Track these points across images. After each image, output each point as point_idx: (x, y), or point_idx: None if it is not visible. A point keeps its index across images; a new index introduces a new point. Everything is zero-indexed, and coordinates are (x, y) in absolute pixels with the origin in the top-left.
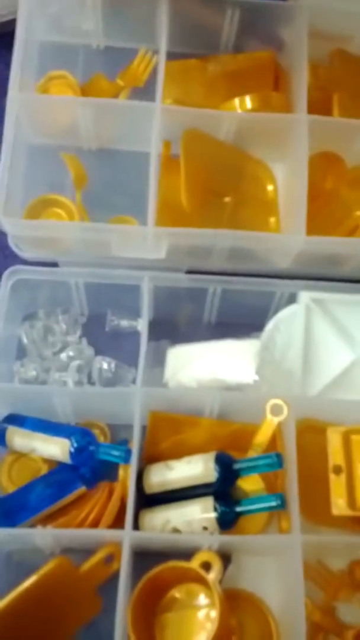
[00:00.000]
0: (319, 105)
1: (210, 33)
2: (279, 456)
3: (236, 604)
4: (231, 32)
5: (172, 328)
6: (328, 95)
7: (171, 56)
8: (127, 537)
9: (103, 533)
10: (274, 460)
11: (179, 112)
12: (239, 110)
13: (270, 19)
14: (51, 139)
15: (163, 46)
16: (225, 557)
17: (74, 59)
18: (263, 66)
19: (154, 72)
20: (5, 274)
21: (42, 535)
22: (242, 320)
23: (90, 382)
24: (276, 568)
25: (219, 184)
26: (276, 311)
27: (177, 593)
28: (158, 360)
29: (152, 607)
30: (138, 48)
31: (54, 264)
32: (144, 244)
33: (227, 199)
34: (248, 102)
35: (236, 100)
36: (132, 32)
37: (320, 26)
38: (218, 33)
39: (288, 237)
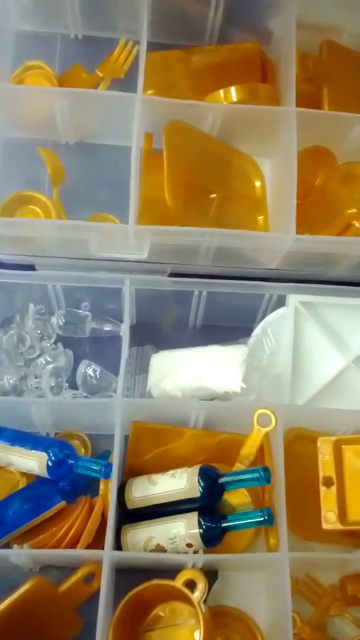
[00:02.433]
0: (308, 98)
1: (194, 23)
2: (266, 470)
3: (223, 621)
4: (216, 22)
5: (156, 332)
6: (317, 87)
7: (153, 47)
8: (107, 557)
9: (82, 553)
10: (261, 474)
11: (160, 103)
12: (225, 103)
13: (257, 9)
14: (27, 132)
15: (144, 36)
16: (212, 572)
17: (51, 49)
18: (249, 58)
19: (135, 63)
20: None
21: (18, 556)
22: (229, 323)
23: (74, 387)
24: (264, 583)
25: (204, 179)
26: (265, 313)
27: (160, 611)
28: (141, 367)
29: (135, 626)
30: (118, 38)
31: (31, 267)
32: (125, 243)
33: (212, 196)
34: (234, 93)
35: (221, 92)
36: (112, 21)
37: (309, 17)
38: (202, 23)
39: (277, 236)
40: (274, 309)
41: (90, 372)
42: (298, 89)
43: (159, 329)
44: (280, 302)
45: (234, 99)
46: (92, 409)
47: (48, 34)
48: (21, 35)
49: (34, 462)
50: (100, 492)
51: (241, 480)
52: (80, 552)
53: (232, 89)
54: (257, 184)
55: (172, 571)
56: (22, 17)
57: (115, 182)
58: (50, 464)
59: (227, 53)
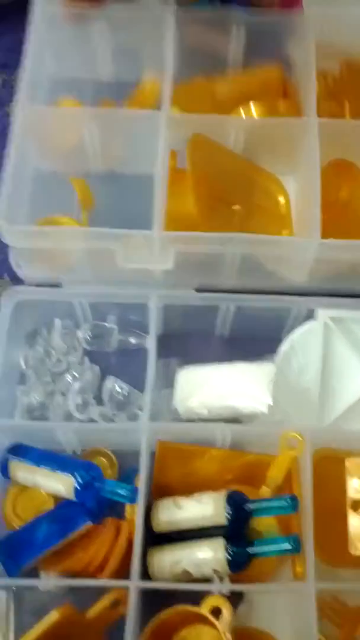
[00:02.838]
0: (329, 114)
1: (217, 54)
2: (294, 499)
3: None
4: (238, 50)
5: (181, 343)
6: (338, 103)
7: (178, 79)
8: (134, 587)
9: (110, 584)
10: (289, 503)
11: (185, 119)
12: None
13: (277, 33)
14: (57, 163)
15: (170, 71)
16: (237, 594)
17: (82, 92)
18: (271, 80)
19: (161, 96)
20: (6, 295)
21: (46, 584)
22: (255, 334)
23: (100, 402)
24: (289, 605)
25: (227, 191)
26: (292, 327)
27: (186, 634)
28: (167, 381)
29: None
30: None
31: (57, 284)
32: (150, 253)
33: (236, 207)
34: (253, 109)
35: (241, 109)
36: (140, 63)
37: (328, 37)
38: (224, 53)
39: (302, 240)
40: (301, 322)
41: (117, 388)
42: (319, 105)
43: (184, 340)
44: (308, 316)
45: (254, 115)
46: (119, 430)
47: (80, 79)
48: (54, 80)
49: (60, 485)
50: (127, 515)
51: (268, 508)
52: (108, 582)
53: (252, 105)
54: (281, 200)
55: (197, 593)
56: (57, 64)
57: (140, 211)
58: (77, 486)
59: (248, 78)
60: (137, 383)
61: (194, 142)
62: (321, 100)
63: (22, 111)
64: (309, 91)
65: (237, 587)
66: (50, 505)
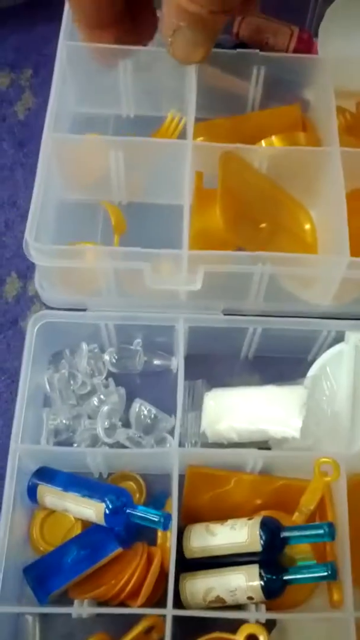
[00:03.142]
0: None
1: (237, 95)
2: (330, 527)
3: None
4: (256, 95)
5: (207, 363)
6: (356, 137)
7: (199, 119)
8: (169, 615)
9: (145, 612)
10: (325, 531)
11: (210, 147)
12: None
13: (295, 75)
14: (82, 193)
15: (192, 111)
16: (270, 620)
17: (104, 128)
18: (291, 117)
19: (184, 131)
20: (31, 320)
21: (79, 612)
22: (283, 354)
23: (126, 425)
24: (325, 634)
25: (255, 208)
26: (321, 347)
27: None
28: (194, 404)
29: None
30: (166, 115)
31: (83, 309)
32: (178, 274)
33: (262, 225)
34: (275, 142)
35: (263, 142)
36: (162, 102)
37: (342, 78)
38: (244, 98)
39: (334, 258)
40: (331, 344)
41: (145, 411)
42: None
43: (209, 361)
44: (337, 337)
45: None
46: (148, 455)
47: (103, 115)
48: (77, 117)
49: (90, 510)
50: (159, 540)
51: (304, 536)
52: (144, 611)
53: (274, 138)
54: (307, 226)
55: (231, 619)
56: (80, 101)
57: (166, 241)
58: (107, 512)
59: (268, 117)
60: (163, 405)
61: (225, 157)
62: (340, 135)
63: (49, 141)
64: (330, 123)
65: (274, 616)
66: (78, 529)
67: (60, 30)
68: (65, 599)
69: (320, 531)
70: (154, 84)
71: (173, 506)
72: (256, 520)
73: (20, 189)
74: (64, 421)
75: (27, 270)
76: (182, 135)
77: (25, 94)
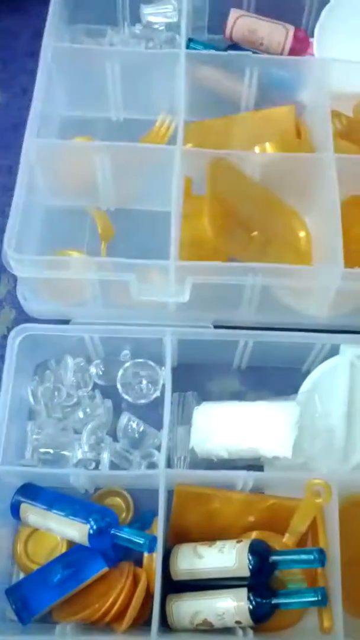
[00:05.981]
0: (343, 152)
1: (230, 98)
2: (321, 553)
3: None
4: (250, 96)
5: (197, 374)
6: (352, 141)
7: (189, 120)
8: None
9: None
10: (315, 557)
11: (199, 154)
12: None
13: (290, 76)
14: (68, 199)
15: (182, 114)
16: None
17: (94, 131)
18: (285, 120)
19: (174, 135)
20: (12, 332)
21: (62, 635)
22: (275, 364)
23: (114, 439)
24: None
25: (246, 216)
26: (316, 359)
27: None
28: (183, 417)
29: None
30: (157, 118)
31: (65, 322)
32: (165, 286)
33: (254, 234)
34: (269, 149)
35: (256, 148)
36: (151, 104)
37: (338, 81)
38: (237, 100)
39: (327, 268)
40: (326, 356)
41: (133, 425)
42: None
43: (200, 372)
44: (334, 349)
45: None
46: (134, 476)
47: (91, 118)
48: (66, 120)
49: (74, 531)
50: (145, 561)
51: (294, 561)
52: (127, 638)
53: (267, 145)
54: (302, 234)
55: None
56: (69, 104)
57: (154, 247)
58: (91, 532)
59: (262, 118)
60: (151, 417)
61: (214, 164)
62: (335, 140)
63: (32, 146)
64: (325, 128)
65: None
66: (63, 547)
67: (27, 24)
68: (48, 618)
69: (311, 557)
70: (144, 87)
71: (159, 528)
72: (245, 544)
73: None
74: (49, 433)
75: None
76: (173, 139)
77: None
